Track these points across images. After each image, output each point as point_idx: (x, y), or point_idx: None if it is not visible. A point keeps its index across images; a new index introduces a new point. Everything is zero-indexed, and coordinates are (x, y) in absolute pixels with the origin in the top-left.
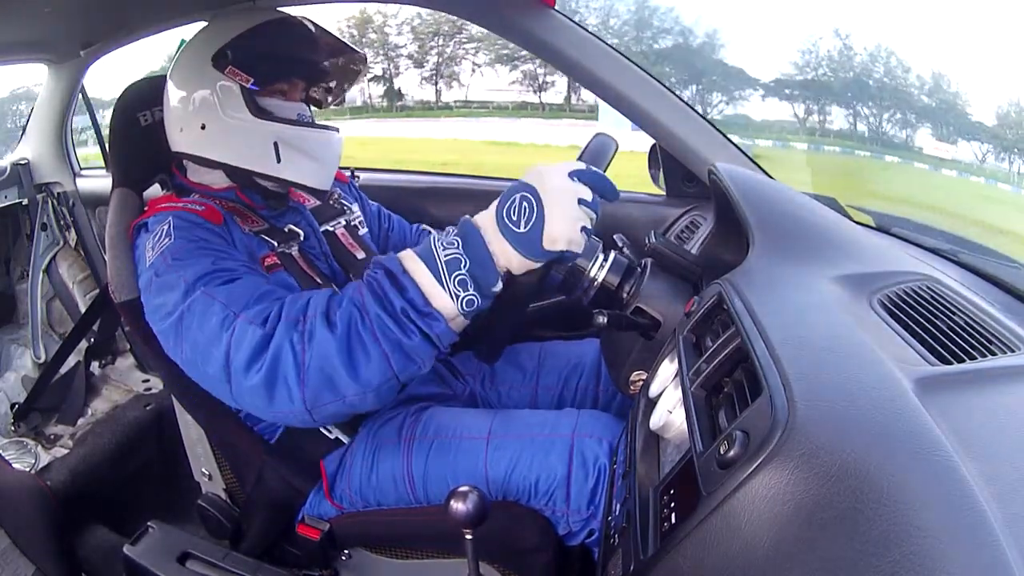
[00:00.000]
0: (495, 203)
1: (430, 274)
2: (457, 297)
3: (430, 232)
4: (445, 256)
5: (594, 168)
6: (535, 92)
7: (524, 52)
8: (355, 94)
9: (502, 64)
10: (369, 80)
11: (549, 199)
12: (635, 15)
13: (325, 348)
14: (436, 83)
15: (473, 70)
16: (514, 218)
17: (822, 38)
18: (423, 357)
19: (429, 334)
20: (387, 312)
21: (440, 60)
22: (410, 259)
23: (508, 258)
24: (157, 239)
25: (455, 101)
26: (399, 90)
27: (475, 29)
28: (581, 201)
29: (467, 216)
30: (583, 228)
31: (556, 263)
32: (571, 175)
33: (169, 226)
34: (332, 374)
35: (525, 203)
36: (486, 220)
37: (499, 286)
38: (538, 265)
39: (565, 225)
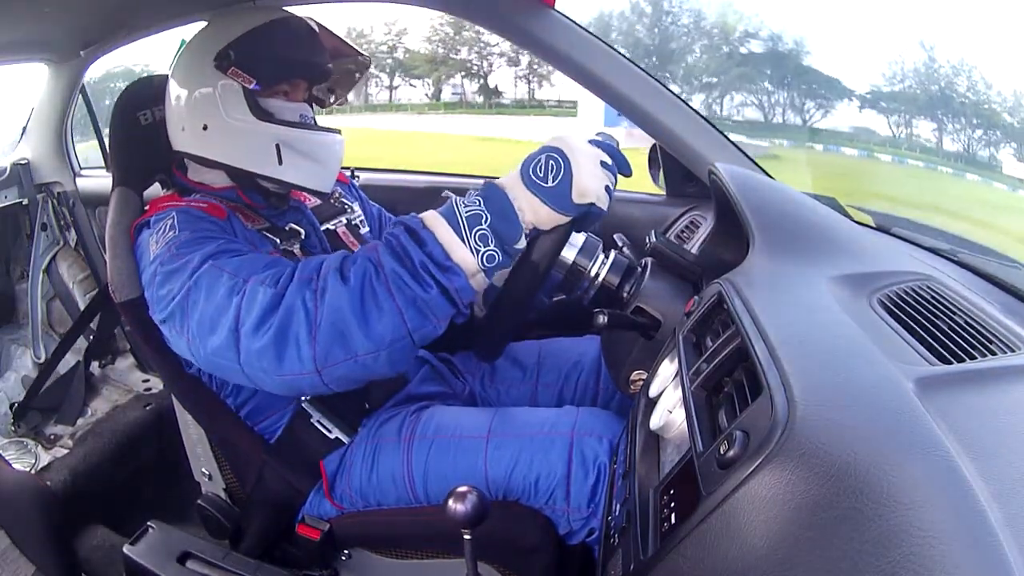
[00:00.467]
0: (517, 166)
1: (450, 228)
2: (478, 252)
3: None
4: (466, 212)
5: (611, 140)
6: None
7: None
8: (449, 90)
9: None
10: (463, 77)
11: (576, 156)
12: (721, 17)
13: (337, 302)
14: (529, 81)
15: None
16: (541, 174)
17: (908, 49)
18: (439, 314)
19: (448, 287)
20: (404, 266)
21: (534, 59)
22: (431, 216)
23: (536, 213)
24: (161, 233)
25: (548, 100)
26: (495, 87)
27: None
28: (603, 164)
29: (494, 180)
30: (607, 186)
31: (581, 220)
32: (591, 142)
33: (173, 220)
34: (344, 329)
35: (552, 161)
36: (511, 179)
37: (522, 242)
38: (566, 220)
39: (593, 179)
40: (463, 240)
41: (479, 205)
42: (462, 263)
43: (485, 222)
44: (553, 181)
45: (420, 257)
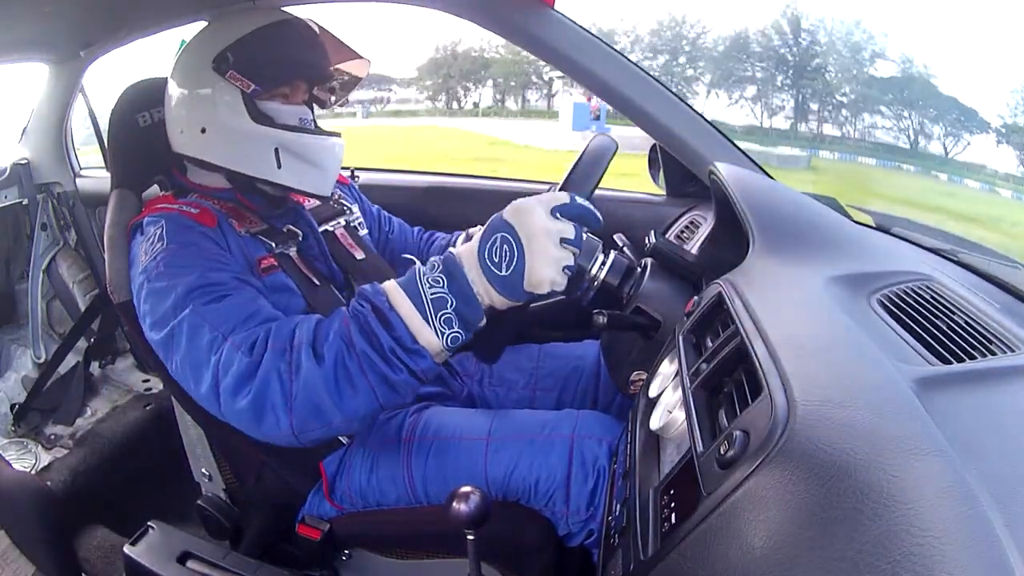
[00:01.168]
0: (477, 238)
1: (417, 313)
2: (442, 334)
3: (430, 236)
4: (431, 294)
5: (579, 199)
6: (767, 115)
7: (750, 72)
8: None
9: (731, 84)
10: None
11: (529, 243)
12: (849, 35)
13: (313, 380)
14: None
15: (708, 91)
16: (495, 260)
17: None
18: (407, 389)
19: (415, 369)
20: (374, 348)
21: (672, 79)
22: (396, 294)
23: (491, 297)
24: (150, 243)
25: None
26: None
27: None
28: (563, 240)
29: (451, 250)
30: (565, 267)
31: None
32: (554, 212)
33: (162, 230)
34: (319, 404)
35: (506, 245)
36: (470, 259)
37: (483, 321)
38: (520, 304)
39: (546, 269)
40: (428, 323)
41: (443, 287)
42: (428, 346)
43: (450, 306)
44: (507, 269)
45: (388, 342)
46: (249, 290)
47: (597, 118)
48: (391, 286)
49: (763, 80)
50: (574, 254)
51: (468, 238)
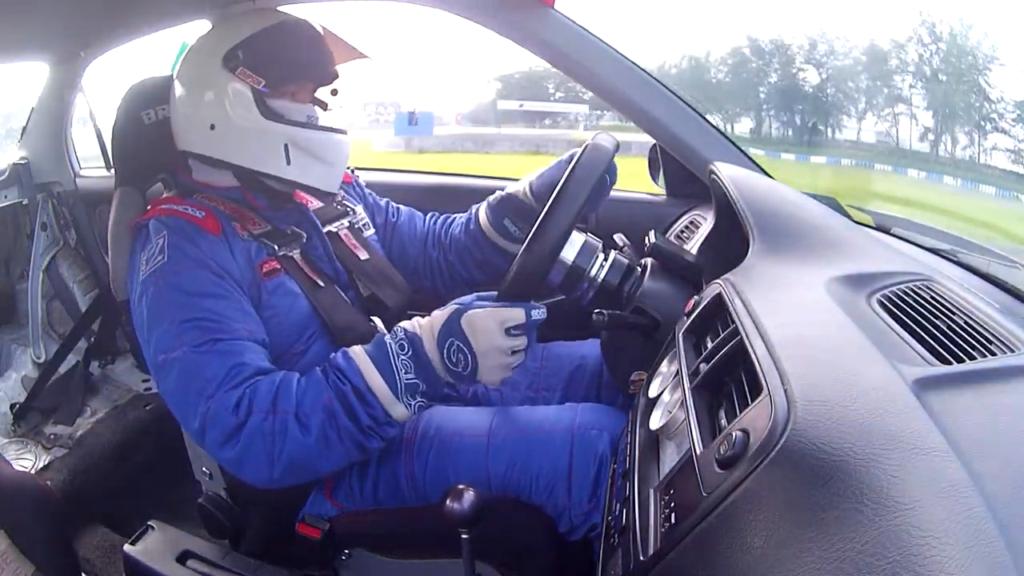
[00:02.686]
0: (438, 333)
1: (391, 393)
2: (410, 406)
3: (447, 220)
4: (405, 382)
5: (535, 314)
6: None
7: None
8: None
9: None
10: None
11: (482, 359)
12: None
13: (296, 447)
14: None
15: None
16: (453, 360)
17: None
18: (375, 451)
19: (385, 437)
20: (353, 423)
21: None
22: (372, 376)
23: (448, 380)
24: (151, 253)
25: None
26: (813, 124)
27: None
28: (513, 351)
29: (417, 334)
30: (516, 355)
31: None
32: (508, 331)
33: (164, 241)
34: (301, 464)
35: (461, 355)
36: (432, 352)
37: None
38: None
39: (497, 374)
40: (400, 400)
41: (412, 373)
42: (399, 417)
43: (419, 389)
44: (464, 370)
45: (367, 420)
46: (240, 327)
47: (416, 123)
48: (366, 366)
49: (906, 98)
50: (524, 353)
51: (489, 206)
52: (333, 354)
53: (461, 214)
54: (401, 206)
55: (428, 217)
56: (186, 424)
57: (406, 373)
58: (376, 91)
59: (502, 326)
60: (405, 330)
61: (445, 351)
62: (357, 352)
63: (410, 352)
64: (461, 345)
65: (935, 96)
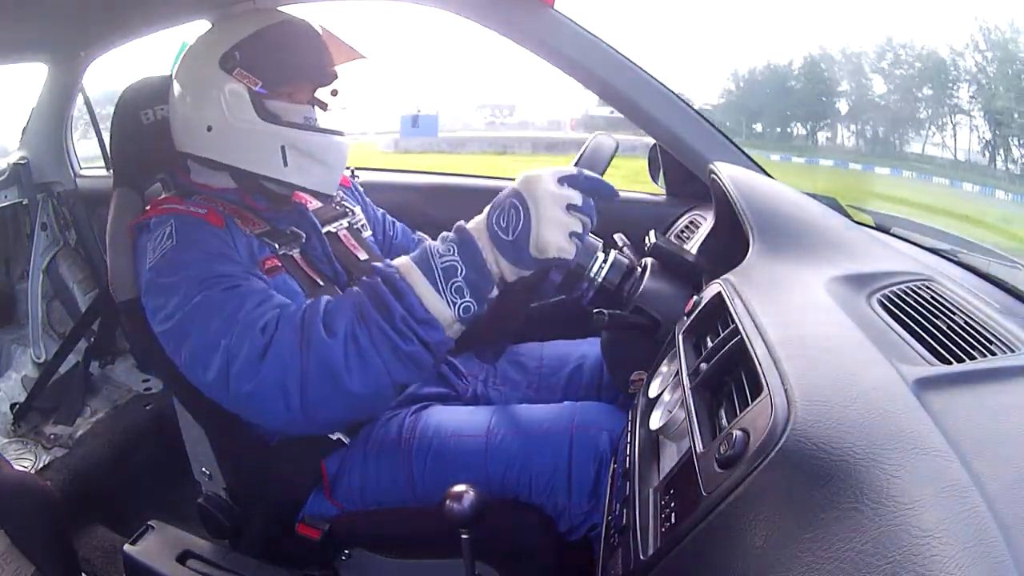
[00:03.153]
0: (488, 208)
1: (427, 281)
2: (454, 304)
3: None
4: (442, 263)
5: (587, 172)
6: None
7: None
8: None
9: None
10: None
11: (537, 206)
12: None
13: (324, 354)
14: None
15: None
16: (503, 225)
17: None
18: (420, 365)
19: (427, 340)
20: (386, 319)
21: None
22: (407, 266)
23: (499, 265)
24: (159, 241)
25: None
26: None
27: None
28: (571, 207)
29: (462, 222)
30: (573, 234)
31: (552, 268)
32: (561, 180)
33: (171, 228)
34: (331, 380)
35: (513, 210)
36: (479, 226)
37: (495, 292)
38: (528, 272)
39: (553, 232)
40: (440, 293)
41: (453, 254)
42: (440, 316)
43: (460, 274)
44: (513, 234)
45: (400, 311)
46: (258, 281)
47: (418, 125)
48: (402, 260)
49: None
50: (584, 223)
51: None
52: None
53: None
54: (396, 221)
55: (416, 238)
56: (207, 376)
57: (443, 257)
58: (491, 94)
59: (554, 176)
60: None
61: (495, 218)
62: (399, 258)
63: (451, 238)
64: (513, 200)
65: (990, 106)
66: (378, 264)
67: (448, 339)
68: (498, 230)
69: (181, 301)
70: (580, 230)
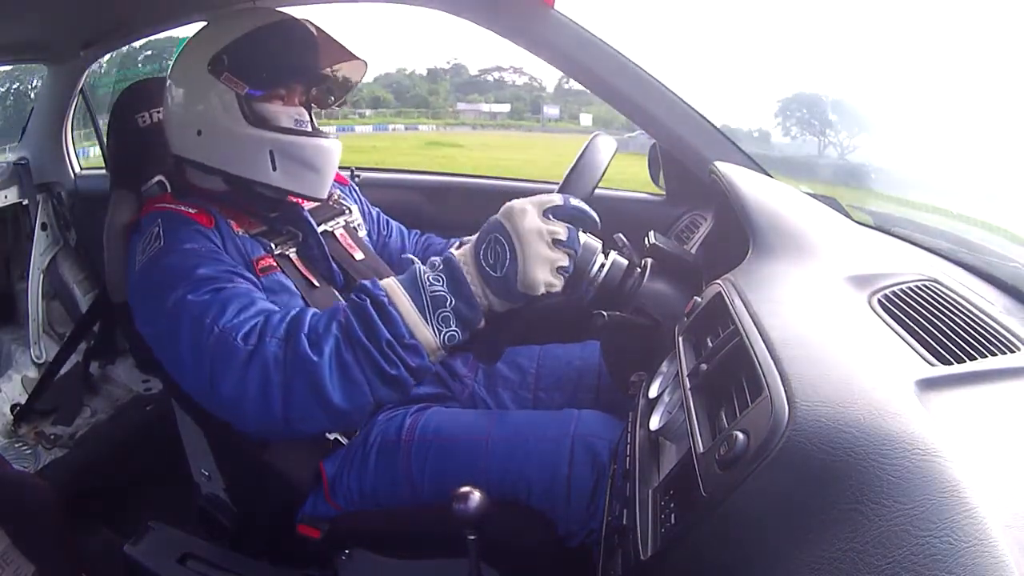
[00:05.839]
0: (475, 239)
1: (415, 309)
2: (439, 332)
3: (426, 240)
4: (431, 292)
5: (573, 201)
6: None
7: None
8: None
9: None
10: None
11: (522, 242)
12: None
13: (309, 369)
14: None
15: None
16: (491, 260)
17: None
18: (402, 387)
19: (411, 366)
20: (373, 343)
21: None
22: (395, 291)
23: (488, 298)
24: (147, 242)
25: None
26: None
27: None
28: (557, 242)
29: (452, 251)
30: (560, 268)
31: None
32: (547, 213)
33: (159, 228)
34: (313, 395)
35: (499, 246)
36: (467, 259)
37: (482, 322)
38: (518, 305)
39: (539, 270)
40: (427, 321)
41: (442, 285)
42: (425, 343)
43: (448, 304)
44: (500, 270)
45: (387, 336)
46: (244, 284)
47: None
48: (391, 283)
49: None
50: (570, 255)
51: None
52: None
53: (440, 238)
54: (391, 220)
55: (413, 235)
56: (191, 380)
57: (431, 286)
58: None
59: (540, 208)
60: (442, 255)
61: (482, 252)
62: (387, 279)
63: (440, 267)
64: (498, 235)
65: None
66: (367, 283)
67: (430, 365)
68: (485, 265)
69: (166, 305)
70: (567, 263)
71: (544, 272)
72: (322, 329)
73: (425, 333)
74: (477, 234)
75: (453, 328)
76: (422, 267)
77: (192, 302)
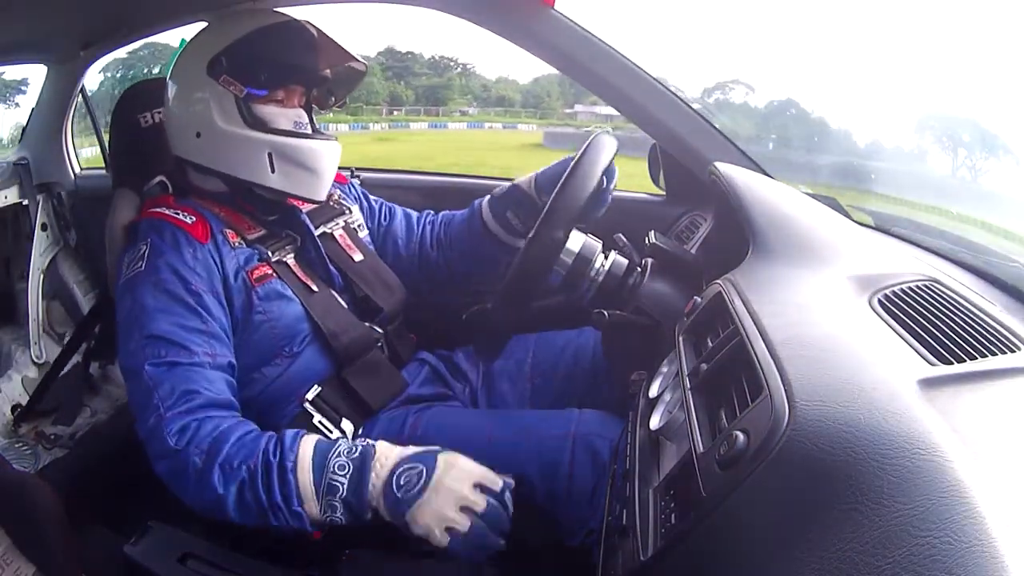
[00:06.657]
0: (408, 452)
1: (312, 484)
2: (324, 512)
3: (443, 218)
4: (331, 479)
5: (507, 496)
6: None
7: None
8: None
9: None
10: None
11: (436, 491)
12: None
13: (215, 493)
14: None
15: None
16: (402, 482)
17: None
18: (285, 528)
19: (292, 524)
20: (266, 494)
21: None
22: (304, 462)
23: (379, 503)
24: (132, 258)
25: None
26: None
27: None
28: (465, 509)
29: (381, 443)
30: (450, 529)
31: None
32: (476, 486)
33: (147, 249)
34: (216, 509)
35: (416, 477)
36: (386, 462)
37: (368, 517)
38: (398, 523)
39: (431, 519)
40: (317, 499)
41: (344, 475)
42: (309, 515)
43: (339, 496)
44: (403, 494)
45: (278, 498)
46: (201, 351)
47: None
48: (306, 449)
49: None
50: (472, 525)
51: (493, 197)
52: (288, 429)
53: (461, 211)
54: (395, 206)
55: (424, 216)
56: (139, 427)
57: (335, 473)
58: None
59: (472, 477)
60: (368, 441)
61: (402, 468)
62: (307, 437)
63: (356, 454)
64: (425, 468)
65: None
66: (287, 438)
67: (311, 529)
68: (395, 480)
69: (125, 350)
70: (463, 528)
71: (433, 522)
72: (236, 464)
73: (312, 508)
74: (419, 449)
75: (338, 515)
76: (342, 446)
77: (148, 370)
